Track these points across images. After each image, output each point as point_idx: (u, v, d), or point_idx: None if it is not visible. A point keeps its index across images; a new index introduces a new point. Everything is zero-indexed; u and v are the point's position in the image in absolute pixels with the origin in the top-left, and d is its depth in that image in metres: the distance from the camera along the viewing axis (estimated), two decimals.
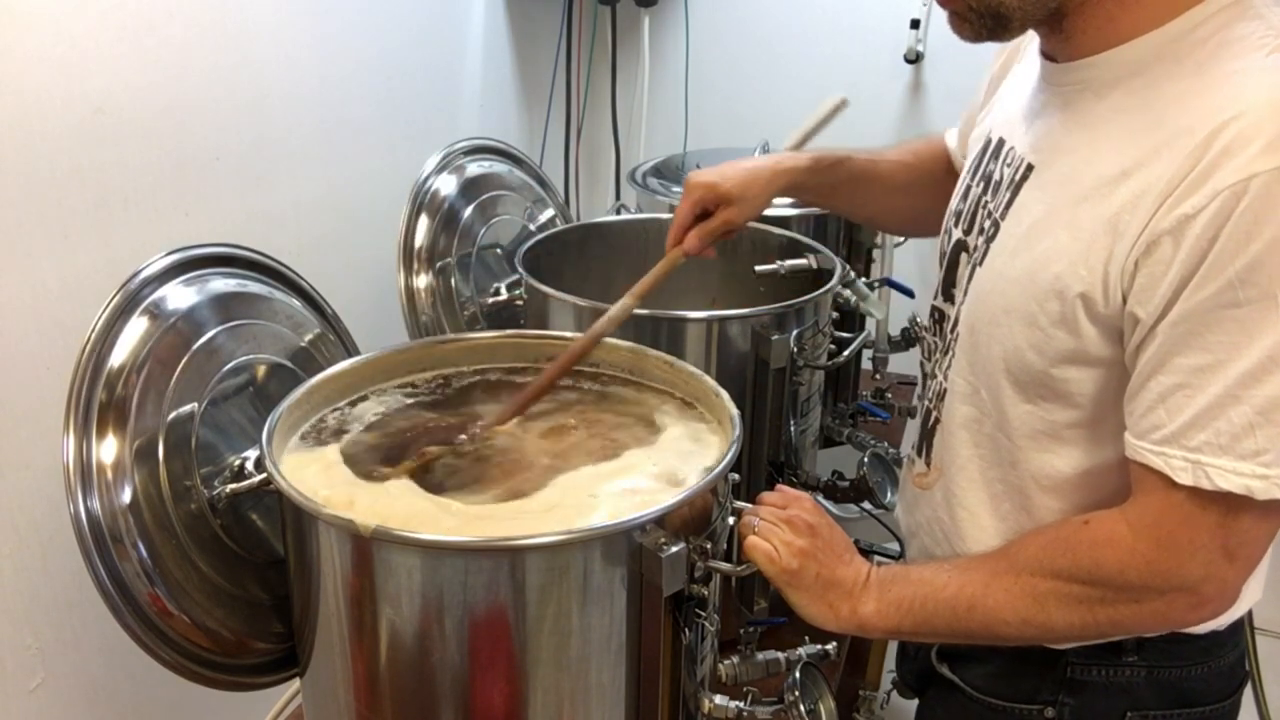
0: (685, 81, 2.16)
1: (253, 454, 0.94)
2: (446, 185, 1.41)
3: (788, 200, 1.55)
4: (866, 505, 1.22)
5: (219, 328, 0.95)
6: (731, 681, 0.92)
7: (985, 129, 1.08)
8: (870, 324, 1.54)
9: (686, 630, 0.81)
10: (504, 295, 1.40)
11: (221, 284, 0.98)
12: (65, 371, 0.85)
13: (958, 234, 1.05)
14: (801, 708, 0.87)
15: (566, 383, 1.05)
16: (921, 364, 1.15)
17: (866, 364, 1.65)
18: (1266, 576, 0.95)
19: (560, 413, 1.01)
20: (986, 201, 1.00)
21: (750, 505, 0.94)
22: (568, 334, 1.10)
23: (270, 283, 1.05)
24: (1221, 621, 0.95)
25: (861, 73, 2.05)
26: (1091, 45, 0.89)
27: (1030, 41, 1.02)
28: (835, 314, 1.32)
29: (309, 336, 1.06)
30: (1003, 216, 0.96)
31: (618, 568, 0.78)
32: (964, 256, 1.03)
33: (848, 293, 1.35)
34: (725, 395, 0.96)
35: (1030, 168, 0.94)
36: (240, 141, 1.36)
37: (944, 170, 1.28)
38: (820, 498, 1.20)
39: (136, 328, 0.89)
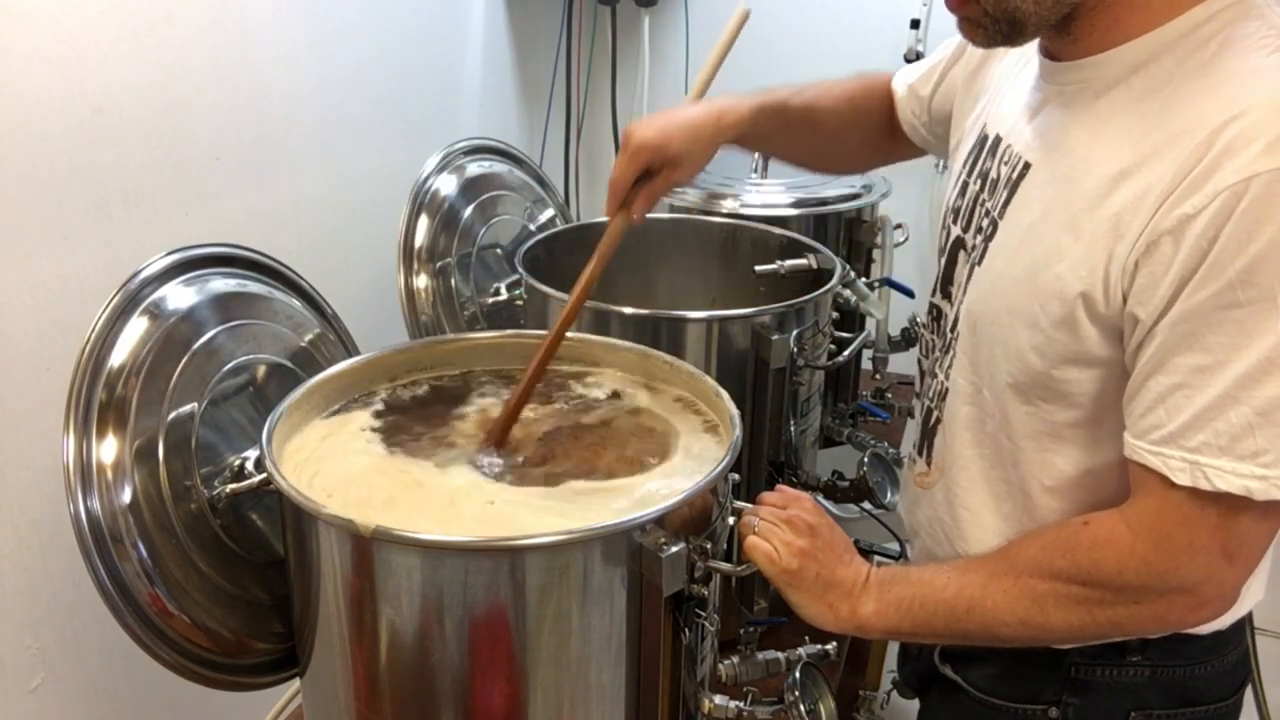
0: (685, 81, 2.16)
1: (253, 454, 0.94)
2: (446, 185, 1.41)
3: (787, 200, 1.56)
4: (866, 505, 1.22)
5: (219, 328, 0.95)
6: (731, 681, 0.92)
7: (979, 124, 1.07)
8: (870, 324, 1.54)
9: (686, 630, 0.81)
10: (504, 295, 1.40)
11: (221, 284, 0.98)
12: (65, 371, 0.85)
13: (956, 231, 1.05)
14: (801, 708, 0.87)
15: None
16: (920, 361, 1.15)
17: (866, 364, 1.65)
18: (1268, 576, 0.94)
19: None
20: (984, 200, 1.00)
21: (750, 505, 0.94)
22: (567, 334, 1.10)
23: (270, 283, 1.04)
24: (1224, 621, 0.95)
25: None
26: (1096, 45, 0.88)
27: None
28: (835, 314, 1.31)
29: (309, 336, 1.05)
30: (1001, 215, 0.96)
31: (618, 568, 0.78)
32: (962, 254, 1.03)
33: (848, 293, 1.35)
34: (725, 395, 0.96)
35: (1028, 166, 0.94)
36: (240, 141, 1.36)
37: (883, 119, 1.27)
38: (820, 498, 1.20)
39: (136, 328, 0.89)
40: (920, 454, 1.10)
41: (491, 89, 2.06)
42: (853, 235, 1.60)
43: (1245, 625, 1.02)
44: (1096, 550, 0.86)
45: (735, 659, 0.92)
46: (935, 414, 1.06)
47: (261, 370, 0.99)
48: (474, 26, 1.97)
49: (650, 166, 1.08)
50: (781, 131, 1.22)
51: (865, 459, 1.21)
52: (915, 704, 1.21)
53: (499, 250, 1.46)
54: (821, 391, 1.30)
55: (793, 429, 1.20)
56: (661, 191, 1.10)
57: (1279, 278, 0.76)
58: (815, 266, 1.32)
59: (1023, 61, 1.02)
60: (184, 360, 0.91)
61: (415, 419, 0.99)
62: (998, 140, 1.01)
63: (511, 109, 2.15)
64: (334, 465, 0.90)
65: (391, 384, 1.04)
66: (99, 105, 1.14)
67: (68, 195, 1.11)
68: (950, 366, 1.03)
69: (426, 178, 1.40)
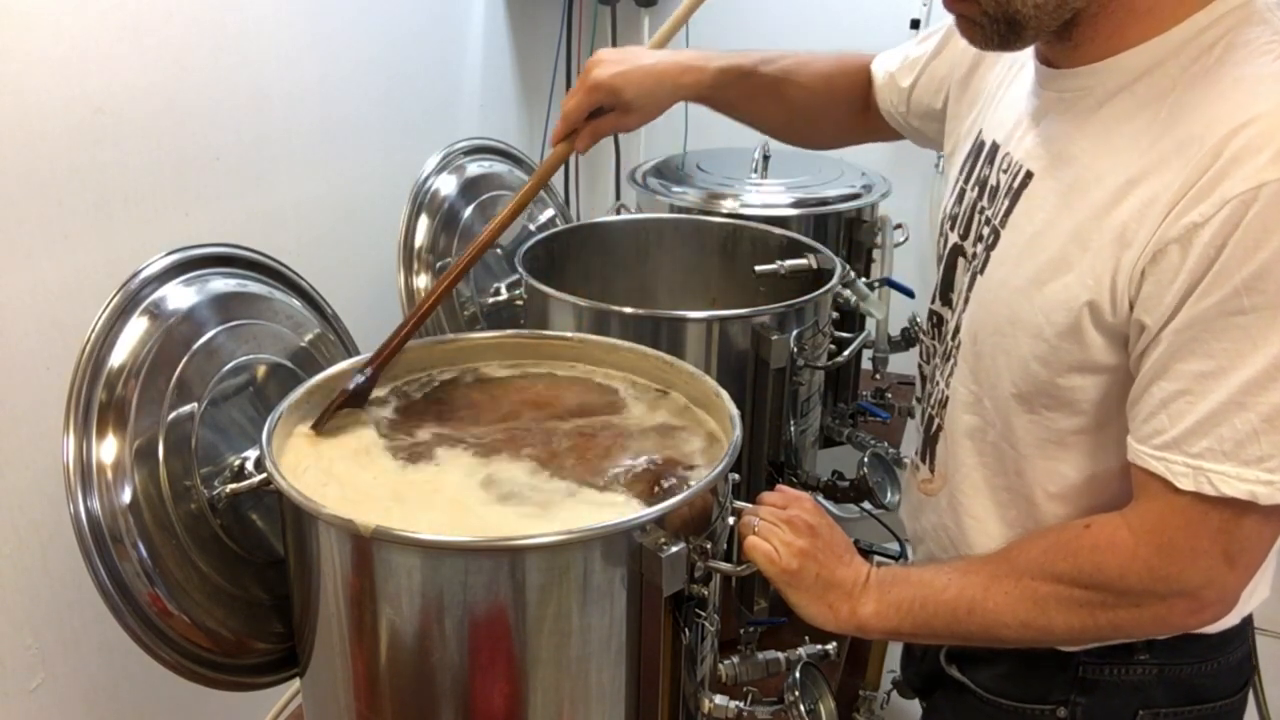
0: None
1: (253, 454, 0.94)
2: (446, 185, 1.41)
3: (787, 200, 1.56)
4: (866, 505, 1.22)
5: (219, 328, 0.95)
6: (731, 681, 0.92)
7: (975, 130, 1.07)
8: (870, 324, 1.54)
9: (686, 630, 0.81)
10: (504, 295, 1.40)
11: (221, 284, 0.98)
12: (65, 371, 0.85)
13: (954, 238, 1.05)
14: (801, 708, 0.87)
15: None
16: (920, 366, 1.15)
17: (866, 364, 1.65)
18: (1273, 574, 0.94)
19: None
20: (984, 208, 1.00)
21: (750, 505, 0.94)
22: (568, 334, 1.10)
23: (270, 283, 1.04)
24: (1230, 619, 0.95)
25: None
26: (1097, 52, 0.88)
27: None
28: (835, 314, 1.31)
29: (309, 336, 1.05)
30: (1002, 224, 0.95)
31: (618, 568, 0.78)
32: (961, 262, 1.03)
33: (848, 293, 1.35)
34: (725, 395, 0.96)
35: (1030, 174, 0.93)
36: (240, 141, 1.36)
37: (860, 101, 1.27)
38: (820, 498, 1.20)
39: (136, 328, 0.89)
40: (923, 461, 1.09)
41: (491, 89, 2.06)
42: (853, 235, 1.60)
43: (1250, 622, 1.02)
44: (1099, 554, 0.86)
45: (735, 659, 0.92)
46: (937, 422, 1.06)
47: (261, 370, 0.99)
48: (474, 26, 1.97)
49: (603, 105, 1.12)
50: (746, 98, 1.22)
51: (865, 459, 1.21)
52: (915, 704, 1.21)
53: (499, 250, 1.45)
54: (821, 391, 1.30)
55: (793, 429, 1.20)
56: (607, 132, 1.15)
57: None
58: (815, 266, 1.32)
59: (1017, 66, 1.01)
60: (184, 360, 0.91)
61: (416, 419, 0.99)
62: (995, 148, 1.00)
63: (511, 109, 2.15)
64: (340, 467, 0.90)
65: (391, 384, 1.04)
66: (99, 105, 1.14)
67: (68, 195, 1.11)
68: (951, 375, 1.02)
69: (426, 178, 1.40)
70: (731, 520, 0.91)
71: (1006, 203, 0.95)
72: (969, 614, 0.90)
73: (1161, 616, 0.87)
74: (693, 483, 0.86)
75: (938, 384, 1.06)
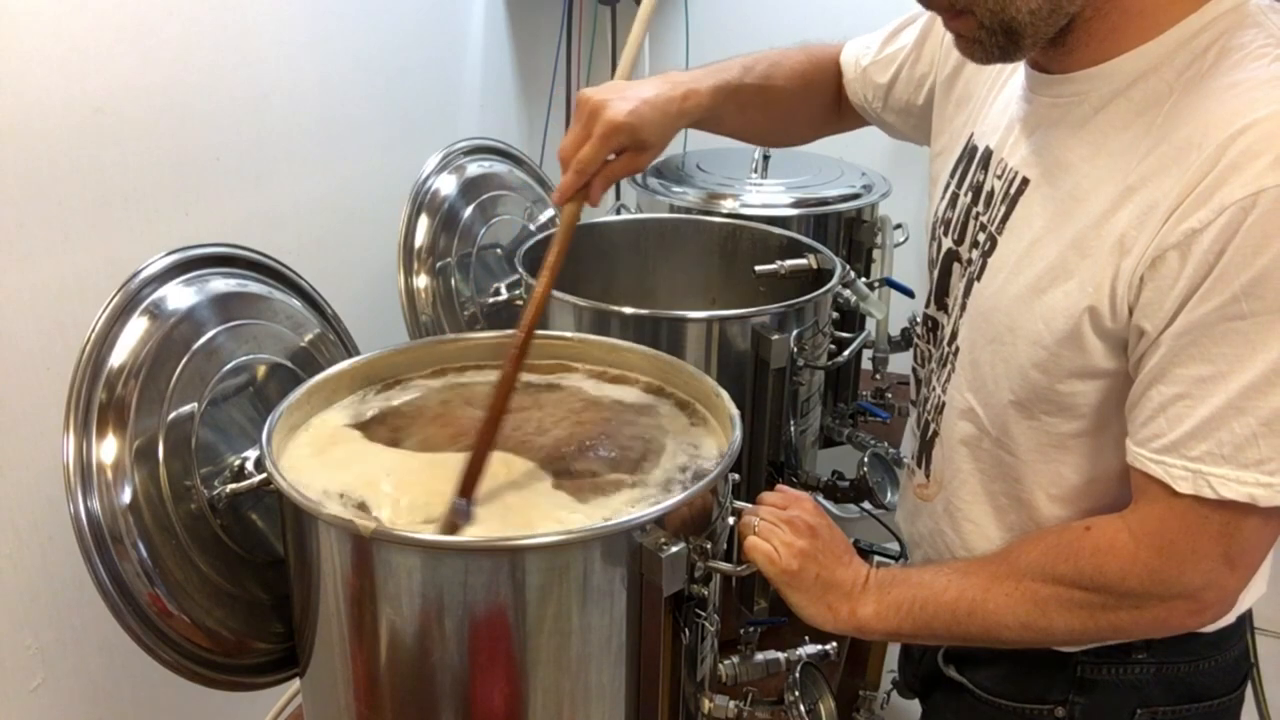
0: None
1: (253, 454, 0.94)
2: (446, 185, 1.41)
3: (787, 200, 1.56)
4: (866, 505, 1.22)
5: (219, 328, 0.95)
6: (731, 681, 0.92)
7: (965, 134, 1.06)
8: (870, 324, 1.54)
9: (686, 630, 0.81)
10: (504, 295, 1.40)
11: (221, 284, 0.98)
12: (65, 371, 0.85)
13: (948, 243, 1.04)
14: (801, 708, 0.87)
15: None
16: (914, 370, 1.14)
17: (866, 364, 1.65)
18: (1269, 573, 0.95)
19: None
20: (979, 213, 0.99)
21: (750, 505, 0.94)
22: (567, 334, 1.10)
23: (270, 283, 1.04)
24: (1228, 618, 0.95)
25: None
26: (1091, 57, 0.87)
27: None
28: (835, 314, 1.32)
29: (309, 336, 1.06)
30: (999, 231, 0.95)
31: (618, 568, 0.78)
32: (956, 267, 1.02)
33: (848, 293, 1.35)
34: (725, 395, 0.96)
35: (1026, 181, 0.93)
36: (240, 141, 1.36)
37: (832, 94, 1.28)
38: (820, 498, 1.20)
39: (136, 328, 0.89)
40: (919, 465, 1.09)
41: (491, 89, 2.06)
42: (853, 235, 1.60)
43: (1247, 620, 1.03)
44: (1099, 556, 0.86)
45: (735, 659, 0.92)
46: (933, 427, 1.05)
47: (261, 370, 0.99)
48: (474, 26, 1.97)
49: (620, 149, 1.02)
50: (736, 113, 1.19)
51: (865, 459, 1.21)
52: (915, 704, 1.21)
53: (499, 250, 1.46)
54: (821, 391, 1.30)
55: (793, 429, 1.21)
56: (622, 175, 1.04)
57: None
58: (815, 266, 1.32)
59: (1009, 69, 1.01)
60: (184, 360, 0.91)
61: (417, 418, 0.99)
62: (989, 152, 1.00)
63: (511, 109, 2.15)
64: (355, 468, 0.90)
65: (391, 384, 1.04)
66: (99, 105, 1.14)
67: (68, 195, 1.11)
68: (947, 381, 1.02)
69: (426, 178, 1.40)
70: (731, 520, 0.91)
71: (1003, 209, 0.95)
72: (969, 615, 0.90)
73: (1162, 618, 0.87)
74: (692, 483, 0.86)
75: (934, 389, 1.06)
